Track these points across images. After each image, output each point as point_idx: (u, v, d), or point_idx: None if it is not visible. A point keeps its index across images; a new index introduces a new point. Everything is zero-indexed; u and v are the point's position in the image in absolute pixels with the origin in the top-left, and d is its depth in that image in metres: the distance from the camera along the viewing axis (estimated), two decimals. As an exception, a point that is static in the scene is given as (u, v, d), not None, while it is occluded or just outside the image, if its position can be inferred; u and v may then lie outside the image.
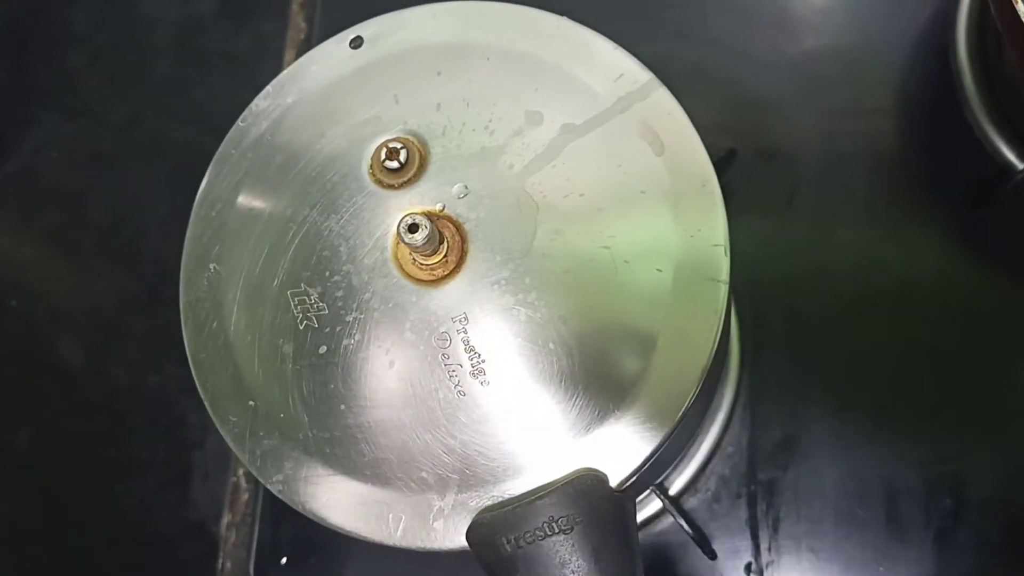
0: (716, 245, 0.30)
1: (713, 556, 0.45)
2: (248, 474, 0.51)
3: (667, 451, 0.30)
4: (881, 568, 0.45)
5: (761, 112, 0.51)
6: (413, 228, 0.29)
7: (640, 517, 0.45)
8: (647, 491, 0.43)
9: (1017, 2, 0.37)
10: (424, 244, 0.29)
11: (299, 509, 0.30)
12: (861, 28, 0.52)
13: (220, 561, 0.51)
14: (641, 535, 0.45)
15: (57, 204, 0.58)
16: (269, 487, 0.31)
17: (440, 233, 0.30)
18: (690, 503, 0.47)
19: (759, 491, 0.46)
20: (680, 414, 0.29)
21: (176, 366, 0.53)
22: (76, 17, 0.60)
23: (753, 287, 0.48)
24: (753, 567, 0.46)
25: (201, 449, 0.52)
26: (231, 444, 0.31)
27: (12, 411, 0.55)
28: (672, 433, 0.29)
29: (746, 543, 0.46)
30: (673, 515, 0.37)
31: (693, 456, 0.46)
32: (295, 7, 0.58)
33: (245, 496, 0.51)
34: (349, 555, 0.49)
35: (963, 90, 0.47)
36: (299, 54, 0.56)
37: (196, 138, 0.55)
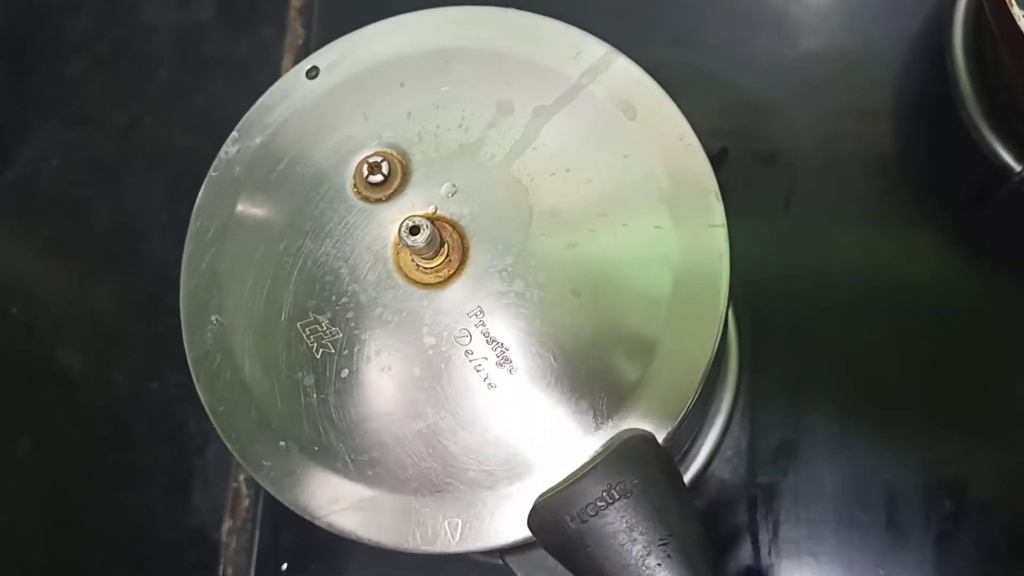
0: (706, 193, 0.31)
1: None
2: (249, 480, 0.51)
3: (697, 405, 0.31)
4: (882, 571, 0.45)
5: (758, 114, 0.51)
6: (415, 230, 0.29)
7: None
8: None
9: (1012, 4, 0.37)
10: (426, 246, 0.29)
11: (353, 538, 0.30)
12: (858, 30, 0.52)
13: (221, 567, 0.51)
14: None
15: (57, 211, 0.58)
16: (318, 523, 0.30)
17: (439, 234, 0.30)
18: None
19: (759, 495, 0.46)
20: (711, 354, 0.30)
21: (176, 373, 0.53)
22: (75, 24, 0.60)
23: (751, 289, 0.48)
24: (753, 570, 0.46)
25: (202, 455, 0.52)
26: (271, 490, 0.31)
27: (13, 417, 0.55)
28: (708, 367, 0.30)
29: (746, 547, 0.46)
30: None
31: (693, 460, 0.46)
32: (293, 13, 0.58)
33: (246, 502, 0.51)
34: (350, 561, 0.49)
35: (959, 92, 0.47)
36: (297, 60, 0.56)
37: (196, 144, 0.56)
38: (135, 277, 0.56)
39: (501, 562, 0.32)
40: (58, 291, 0.57)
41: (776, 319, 0.49)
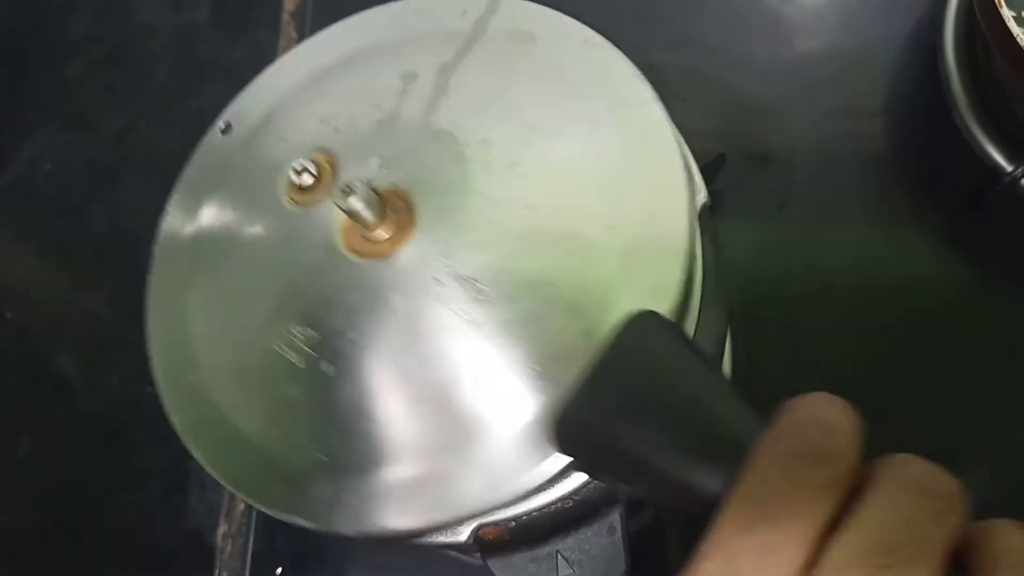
0: (631, 76, 0.32)
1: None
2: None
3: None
4: (878, 572, 0.45)
5: (753, 115, 0.51)
6: (347, 191, 0.29)
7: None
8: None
9: (1001, 5, 0.37)
10: (366, 207, 0.29)
11: (409, 532, 0.30)
12: (853, 31, 0.52)
13: (216, 571, 0.50)
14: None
15: (53, 214, 0.58)
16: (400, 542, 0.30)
17: (380, 200, 0.30)
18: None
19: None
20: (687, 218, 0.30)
21: (172, 375, 0.53)
22: (72, 27, 0.61)
23: (745, 291, 0.48)
24: None
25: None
26: (328, 528, 0.30)
27: (10, 422, 0.55)
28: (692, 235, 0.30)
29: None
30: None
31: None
32: (286, 16, 0.58)
33: (241, 506, 0.51)
34: (344, 565, 0.49)
35: (951, 92, 0.47)
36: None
37: (193, 147, 0.56)
38: (131, 281, 0.56)
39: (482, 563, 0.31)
40: (54, 295, 0.57)
41: (771, 321, 0.48)
